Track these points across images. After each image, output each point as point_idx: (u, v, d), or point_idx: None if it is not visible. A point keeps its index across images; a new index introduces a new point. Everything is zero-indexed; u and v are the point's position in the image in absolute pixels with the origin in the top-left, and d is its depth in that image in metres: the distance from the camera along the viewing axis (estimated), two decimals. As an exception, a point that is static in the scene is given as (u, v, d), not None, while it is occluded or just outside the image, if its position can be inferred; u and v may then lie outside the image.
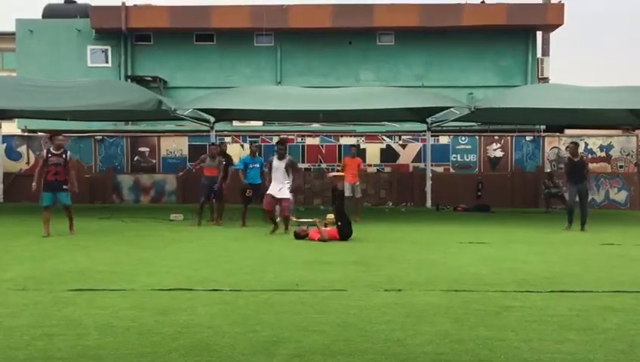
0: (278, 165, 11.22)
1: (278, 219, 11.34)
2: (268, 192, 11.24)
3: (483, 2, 26.10)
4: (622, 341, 4.35)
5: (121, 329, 4.51)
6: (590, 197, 18.44)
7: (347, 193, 14.26)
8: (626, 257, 8.50)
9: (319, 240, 9.87)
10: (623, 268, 7.59)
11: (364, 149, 19.69)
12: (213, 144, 15.27)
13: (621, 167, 19.21)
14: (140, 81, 24.51)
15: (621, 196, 18.93)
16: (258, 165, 13.06)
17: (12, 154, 20.02)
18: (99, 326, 4.57)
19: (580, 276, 6.95)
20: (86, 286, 6.05)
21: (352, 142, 19.11)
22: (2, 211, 16.11)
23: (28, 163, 19.99)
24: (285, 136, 18.74)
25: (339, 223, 10.19)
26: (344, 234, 10.09)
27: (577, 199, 12.49)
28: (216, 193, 12.68)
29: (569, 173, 12.40)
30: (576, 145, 12.94)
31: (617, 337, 4.43)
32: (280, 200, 11.21)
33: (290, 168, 11.28)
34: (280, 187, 11.11)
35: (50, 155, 10.41)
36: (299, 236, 10.20)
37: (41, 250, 8.62)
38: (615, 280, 6.64)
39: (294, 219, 11.71)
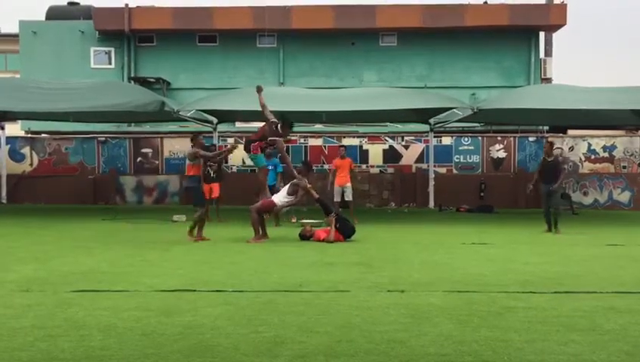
0: None
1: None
2: None
3: (485, 3, 26.07)
4: (626, 342, 4.33)
5: (125, 330, 4.51)
6: (594, 200, 18.52)
7: (337, 197, 14.05)
8: (630, 258, 8.48)
9: (324, 240, 9.86)
10: (627, 268, 7.57)
11: (366, 150, 19.67)
12: (213, 145, 15.35)
13: (624, 167, 19.18)
14: (143, 82, 24.52)
15: (624, 196, 18.89)
16: (272, 167, 12.84)
17: (15, 155, 20.07)
18: (102, 327, 4.57)
19: (583, 277, 6.93)
20: (89, 287, 6.06)
21: (350, 144, 19.10)
22: (6, 213, 16.15)
23: (31, 165, 20.05)
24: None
25: (337, 225, 10.13)
26: (346, 233, 10.12)
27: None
28: None
29: (540, 172, 12.28)
30: (551, 144, 12.82)
31: (621, 338, 4.42)
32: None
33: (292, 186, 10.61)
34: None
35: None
36: (304, 237, 10.17)
37: (44, 252, 8.63)
38: (619, 281, 6.62)
39: (296, 221, 11.65)
